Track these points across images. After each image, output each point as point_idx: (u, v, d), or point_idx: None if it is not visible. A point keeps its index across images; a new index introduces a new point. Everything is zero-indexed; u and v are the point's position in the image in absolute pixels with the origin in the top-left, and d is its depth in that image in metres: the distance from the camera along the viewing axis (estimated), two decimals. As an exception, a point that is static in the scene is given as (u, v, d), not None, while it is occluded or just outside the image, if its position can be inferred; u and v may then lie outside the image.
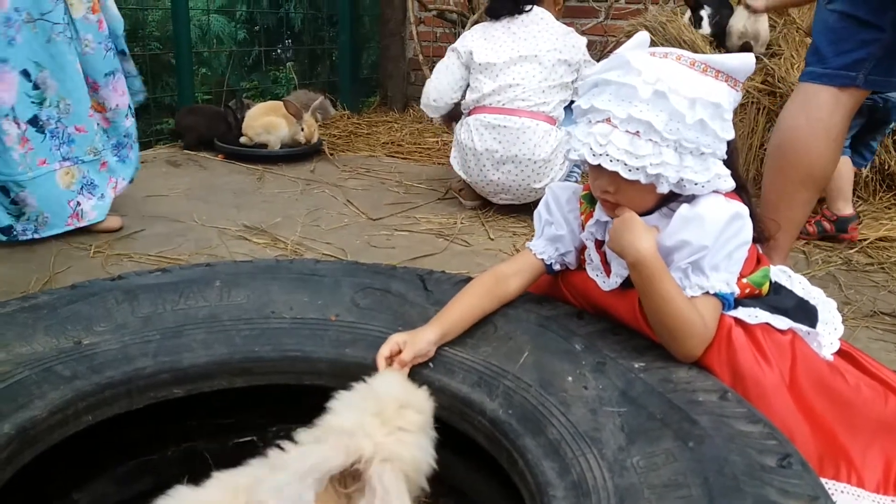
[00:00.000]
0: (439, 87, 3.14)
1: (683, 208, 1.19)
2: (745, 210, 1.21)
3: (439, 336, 1.25)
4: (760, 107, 3.31)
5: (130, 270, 1.59)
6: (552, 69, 2.95)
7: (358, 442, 0.95)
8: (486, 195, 3.11)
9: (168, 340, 1.27)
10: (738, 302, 1.25)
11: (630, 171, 1.15)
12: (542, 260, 1.38)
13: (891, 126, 2.99)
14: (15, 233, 2.50)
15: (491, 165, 2.95)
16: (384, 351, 1.21)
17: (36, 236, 2.54)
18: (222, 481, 0.97)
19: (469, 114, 3.06)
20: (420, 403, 1.06)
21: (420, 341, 1.22)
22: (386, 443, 0.97)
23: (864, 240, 2.86)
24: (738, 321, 1.22)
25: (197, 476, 1.00)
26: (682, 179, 1.16)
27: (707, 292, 1.18)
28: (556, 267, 1.40)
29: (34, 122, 2.45)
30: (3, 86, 2.36)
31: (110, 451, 1.32)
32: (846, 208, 2.84)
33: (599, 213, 1.31)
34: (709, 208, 1.18)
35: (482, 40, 3.05)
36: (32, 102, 2.43)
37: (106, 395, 1.16)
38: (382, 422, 0.99)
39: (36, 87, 2.42)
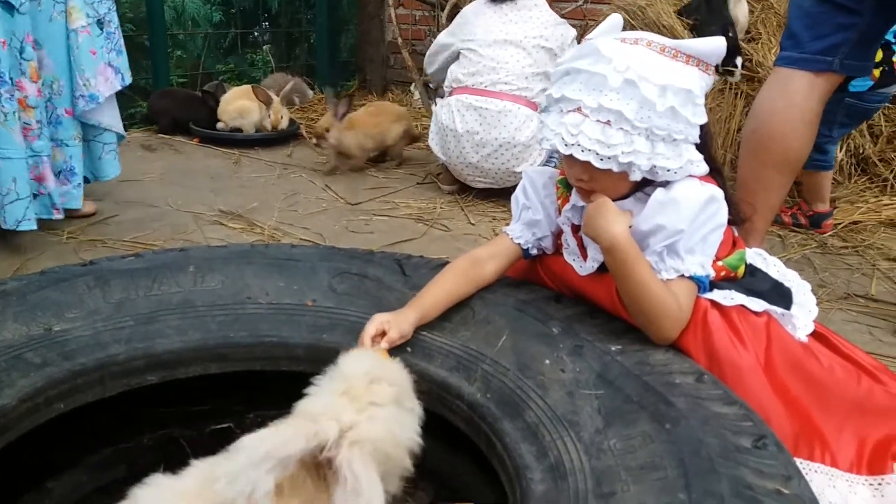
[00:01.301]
0: (434, 74, 3.36)
1: (659, 192, 1.20)
2: (719, 193, 1.21)
3: (418, 318, 1.25)
4: (738, 91, 3.33)
5: (103, 256, 1.56)
6: (535, 55, 2.95)
7: (321, 425, 0.91)
8: (464, 179, 3.10)
9: (141, 326, 1.25)
10: (714, 284, 1.26)
11: (602, 160, 1.15)
12: (519, 244, 1.38)
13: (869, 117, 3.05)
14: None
15: (471, 147, 2.94)
16: (370, 330, 1.20)
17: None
18: (200, 470, 0.96)
19: (451, 93, 3.05)
20: (392, 375, 1.03)
21: (403, 322, 1.22)
22: (357, 421, 0.93)
23: (839, 224, 2.90)
24: (713, 303, 1.23)
25: (173, 463, 0.98)
26: (655, 167, 1.16)
27: (682, 275, 1.19)
28: (533, 251, 1.39)
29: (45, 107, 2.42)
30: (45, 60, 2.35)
31: (84, 439, 1.30)
32: (823, 206, 2.89)
33: (576, 199, 1.30)
34: (684, 192, 1.18)
35: (472, 17, 3.07)
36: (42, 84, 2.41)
37: (78, 382, 1.14)
38: (351, 400, 0.96)
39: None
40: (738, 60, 3.25)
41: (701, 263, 1.20)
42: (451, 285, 1.32)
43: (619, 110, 1.13)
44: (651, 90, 1.12)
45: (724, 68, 3.25)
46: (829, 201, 2.92)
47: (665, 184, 1.21)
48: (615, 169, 1.16)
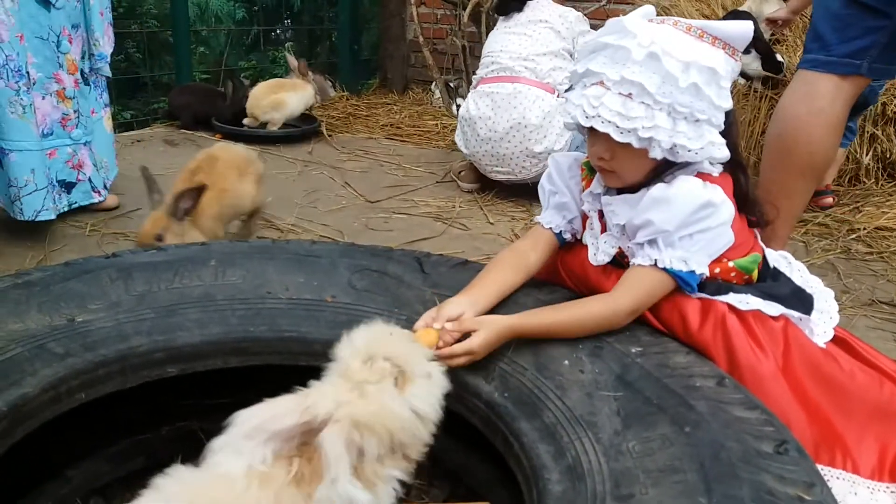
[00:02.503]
0: None
1: (656, 188, 1.20)
2: (719, 197, 1.19)
3: (469, 301, 1.23)
4: (763, 94, 3.29)
5: (126, 249, 1.58)
6: (536, 36, 3.02)
7: (312, 401, 0.92)
8: (484, 170, 3.11)
9: (162, 319, 1.26)
10: (730, 287, 1.24)
11: (622, 133, 1.15)
12: (551, 229, 1.38)
13: (870, 107, 3.02)
14: (107, 185, 2.66)
15: (485, 132, 2.98)
16: (419, 324, 1.19)
17: (108, 182, 2.68)
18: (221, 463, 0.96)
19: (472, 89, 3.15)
20: (389, 349, 1.01)
21: (448, 304, 1.21)
22: (348, 400, 0.94)
23: (864, 228, 2.85)
24: (731, 308, 1.21)
25: (191, 455, 0.99)
26: (675, 145, 1.15)
27: (655, 265, 1.19)
28: (567, 236, 1.40)
29: (81, 76, 2.55)
30: (76, 49, 2.45)
31: (104, 429, 1.31)
32: (821, 183, 2.97)
33: (595, 185, 1.31)
34: (680, 193, 1.18)
35: (490, 35, 3.28)
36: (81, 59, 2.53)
37: (99, 372, 1.15)
38: (346, 380, 0.97)
39: (81, 42, 2.50)
40: (779, 56, 3.22)
41: (682, 259, 1.19)
42: (501, 274, 1.32)
43: (640, 83, 1.13)
44: (674, 65, 1.12)
45: (766, 72, 3.22)
46: (826, 182, 3.05)
47: (672, 179, 1.20)
48: (635, 144, 1.16)
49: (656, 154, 1.17)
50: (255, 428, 0.89)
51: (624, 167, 1.23)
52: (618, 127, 1.15)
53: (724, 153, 1.20)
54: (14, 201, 2.30)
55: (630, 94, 1.14)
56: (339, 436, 0.88)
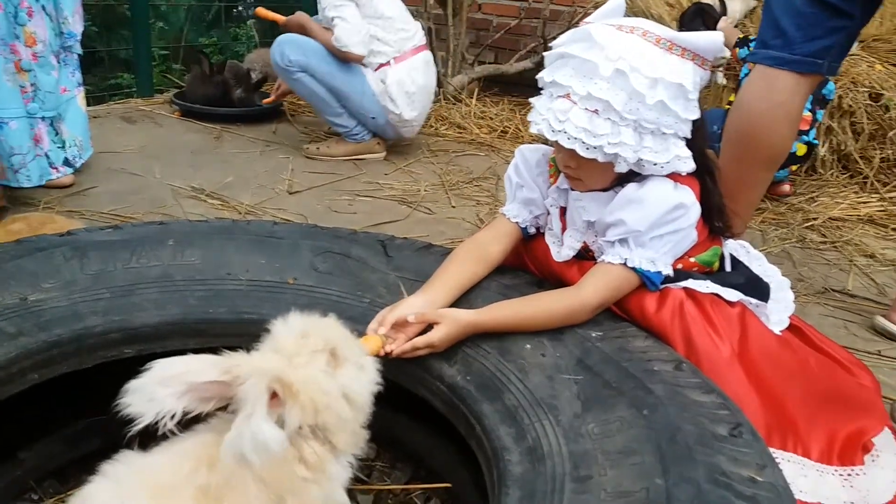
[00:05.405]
0: None
1: (629, 188, 1.20)
2: (689, 199, 1.20)
3: (425, 301, 1.22)
4: (725, 86, 3.34)
5: (81, 227, 1.53)
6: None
7: (235, 363, 0.90)
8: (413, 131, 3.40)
9: (119, 299, 1.23)
10: (689, 275, 1.26)
11: (587, 149, 1.15)
12: (517, 224, 1.38)
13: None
14: (72, 163, 2.62)
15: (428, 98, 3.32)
16: (372, 325, 1.19)
17: (81, 162, 2.67)
18: (171, 446, 0.95)
19: None
20: (325, 331, 1.01)
21: (401, 304, 1.21)
22: (275, 366, 0.92)
23: (818, 218, 2.93)
24: (688, 292, 1.23)
25: (147, 438, 0.97)
26: (641, 160, 1.16)
27: (624, 263, 1.20)
28: (532, 230, 1.39)
29: (54, 54, 2.52)
30: (40, 23, 2.42)
31: (59, 410, 1.28)
32: None
33: (561, 181, 1.31)
34: (652, 194, 1.19)
35: None
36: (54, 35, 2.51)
37: (53, 353, 1.13)
38: (276, 352, 0.96)
39: (50, 19, 2.48)
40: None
41: (650, 259, 1.20)
42: (460, 267, 1.31)
43: (607, 100, 1.12)
44: (641, 82, 1.12)
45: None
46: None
47: (643, 179, 1.21)
48: (600, 159, 1.16)
49: (621, 168, 1.18)
50: (171, 377, 0.87)
51: (589, 176, 1.24)
52: (584, 143, 1.15)
53: (690, 166, 1.21)
54: (19, 170, 2.31)
55: (596, 110, 1.13)
56: (261, 382, 0.87)
